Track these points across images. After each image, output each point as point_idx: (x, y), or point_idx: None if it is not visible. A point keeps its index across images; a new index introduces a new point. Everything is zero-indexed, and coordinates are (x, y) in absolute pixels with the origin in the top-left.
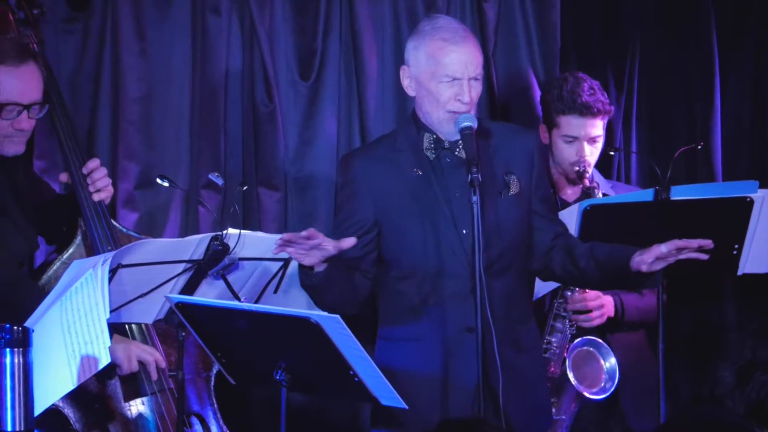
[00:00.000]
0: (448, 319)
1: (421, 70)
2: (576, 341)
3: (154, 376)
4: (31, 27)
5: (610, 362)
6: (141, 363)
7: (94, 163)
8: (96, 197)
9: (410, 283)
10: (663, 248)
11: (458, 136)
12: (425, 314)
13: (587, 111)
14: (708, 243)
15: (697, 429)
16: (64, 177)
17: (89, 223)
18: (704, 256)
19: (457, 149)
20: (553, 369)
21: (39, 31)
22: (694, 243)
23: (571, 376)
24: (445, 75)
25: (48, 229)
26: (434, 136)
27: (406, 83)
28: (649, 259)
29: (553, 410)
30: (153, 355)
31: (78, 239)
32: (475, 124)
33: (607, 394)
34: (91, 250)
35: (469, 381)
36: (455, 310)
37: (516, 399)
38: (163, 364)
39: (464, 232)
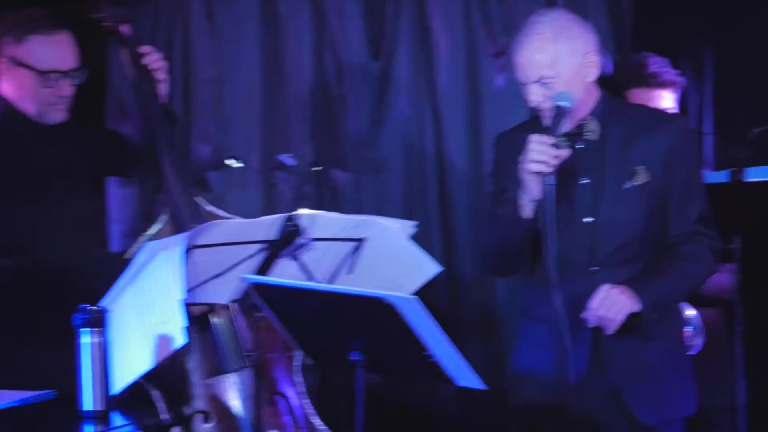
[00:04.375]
0: (569, 304)
1: None
2: None
3: None
4: (122, 6)
5: (690, 315)
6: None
7: (148, 48)
8: (150, 79)
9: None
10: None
11: (570, 127)
12: (549, 297)
13: (654, 82)
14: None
15: None
16: None
17: (175, 199)
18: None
19: (587, 132)
20: None
21: (130, 11)
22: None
23: None
24: (518, 79)
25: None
26: None
27: None
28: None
29: None
30: None
31: (164, 216)
32: (567, 103)
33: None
34: (177, 228)
35: (580, 371)
36: (575, 297)
37: (643, 391)
38: None
39: (585, 220)
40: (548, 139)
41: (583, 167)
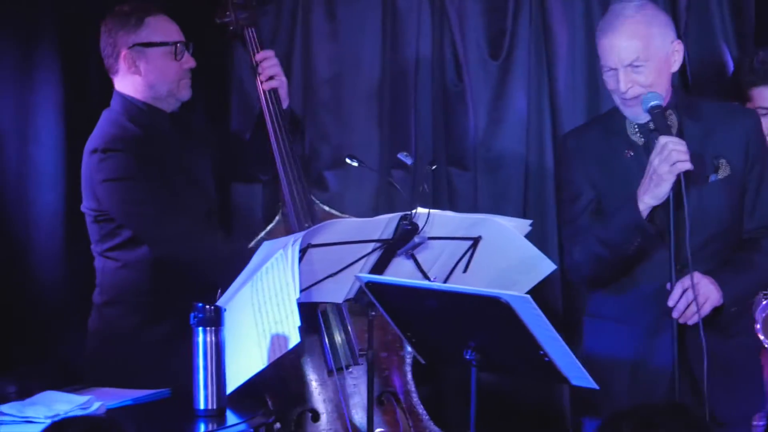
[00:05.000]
0: (650, 303)
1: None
2: (764, 304)
3: None
4: (247, 11)
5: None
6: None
7: (265, 53)
8: (266, 86)
9: None
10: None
11: (648, 117)
12: (630, 296)
13: None
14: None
15: None
16: None
17: (290, 199)
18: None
19: (670, 125)
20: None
21: (254, 15)
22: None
23: (762, 337)
24: (604, 65)
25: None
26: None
27: None
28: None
29: None
30: None
31: (278, 216)
32: (661, 101)
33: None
34: (291, 227)
35: (666, 366)
36: (658, 295)
37: (720, 386)
38: None
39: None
40: (676, 139)
41: None
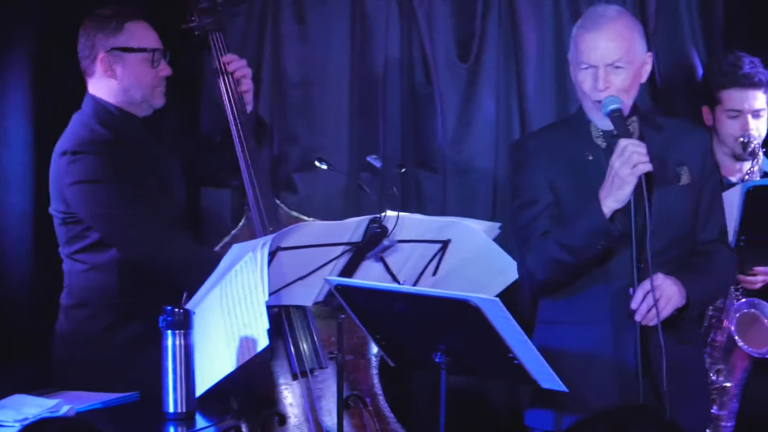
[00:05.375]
0: (611, 305)
1: (571, 59)
2: (738, 303)
3: None
4: (212, 16)
5: None
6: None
7: (231, 56)
8: (236, 89)
9: None
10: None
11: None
12: (589, 298)
13: (748, 82)
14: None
15: None
16: None
17: (254, 203)
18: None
19: (632, 132)
20: (720, 337)
21: (220, 20)
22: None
23: (736, 337)
24: (581, 62)
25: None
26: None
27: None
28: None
29: (721, 378)
30: None
31: (243, 220)
32: (620, 105)
33: None
34: (256, 232)
35: (628, 367)
36: (619, 296)
37: (675, 389)
38: None
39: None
40: (636, 141)
41: None
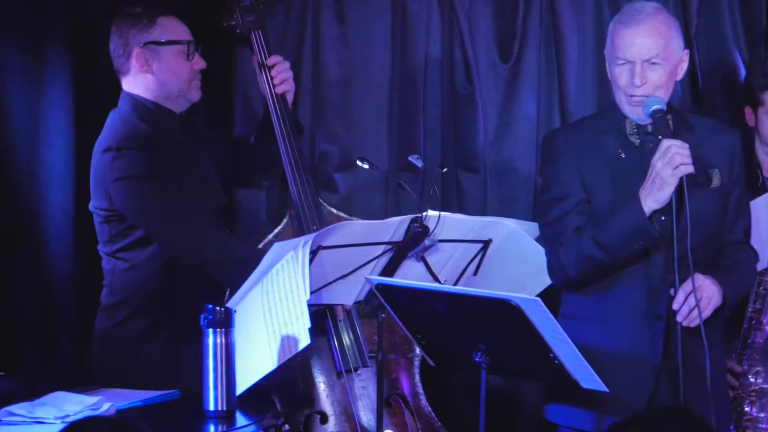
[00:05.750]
0: (638, 304)
1: (607, 54)
2: None
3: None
4: (254, 14)
5: None
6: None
7: (277, 58)
8: (278, 90)
9: None
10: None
11: (649, 120)
12: (616, 297)
13: None
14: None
15: None
16: None
17: (297, 202)
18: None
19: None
20: (759, 339)
21: (262, 18)
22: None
23: None
24: (618, 57)
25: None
26: (635, 122)
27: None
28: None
29: (760, 380)
30: None
31: (286, 219)
32: (663, 106)
33: None
34: (299, 230)
35: (650, 368)
36: (646, 296)
37: (696, 392)
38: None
39: (662, 218)
40: (679, 142)
41: None
